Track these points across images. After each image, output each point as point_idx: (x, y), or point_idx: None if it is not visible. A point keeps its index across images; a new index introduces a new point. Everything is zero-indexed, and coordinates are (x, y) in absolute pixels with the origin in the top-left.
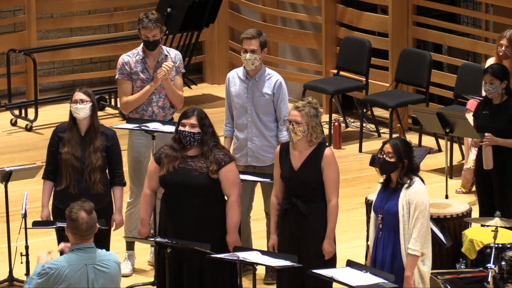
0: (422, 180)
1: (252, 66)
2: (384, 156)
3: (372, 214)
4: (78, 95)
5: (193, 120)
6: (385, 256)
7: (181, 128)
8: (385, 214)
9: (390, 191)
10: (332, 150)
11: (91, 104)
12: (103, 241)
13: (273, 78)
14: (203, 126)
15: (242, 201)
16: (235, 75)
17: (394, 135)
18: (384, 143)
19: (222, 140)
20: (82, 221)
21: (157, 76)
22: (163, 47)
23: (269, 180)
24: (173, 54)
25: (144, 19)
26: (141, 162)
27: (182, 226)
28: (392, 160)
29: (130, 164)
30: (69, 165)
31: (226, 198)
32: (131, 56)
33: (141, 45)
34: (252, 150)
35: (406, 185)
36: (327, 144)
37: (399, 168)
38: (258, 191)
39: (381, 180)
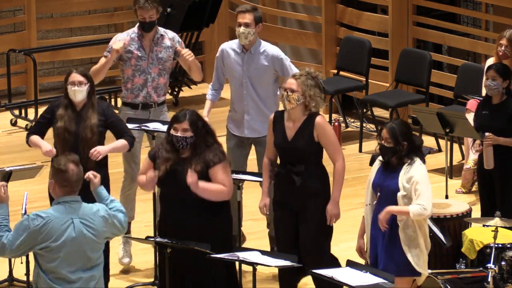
0: (424, 160)
1: (246, 40)
2: (383, 141)
3: (370, 189)
4: (76, 76)
5: (185, 125)
6: (378, 235)
7: (173, 132)
8: (383, 192)
9: (391, 169)
10: (323, 117)
11: (88, 85)
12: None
13: (268, 49)
14: (196, 129)
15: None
16: (229, 47)
17: None
18: (381, 128)
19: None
20: (72, 172)
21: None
22: (159, 28)
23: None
24: (171, 35)
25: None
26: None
27: (179, 226)
28: (390, 145)
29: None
30: (62, 139)
31: None
32: (125, 35)
33: (137, 24)
34: (248, 122)
35: (406, 164)
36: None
37: (398, 152)
38: (257, 191)
39: (381, 157)
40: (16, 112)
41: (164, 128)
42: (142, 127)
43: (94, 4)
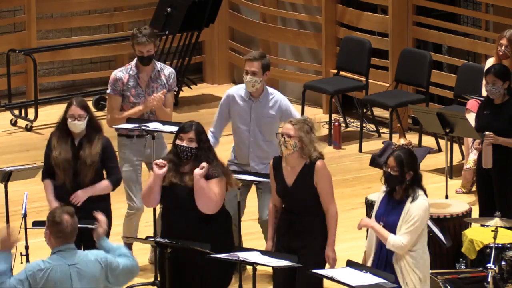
0: (425, 192)
1: (253, 88)
2: (389, 170)
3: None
4: (76, 110)
5: (191, 135)
6: (389, 257)
7: (178, 142)
8: (386, 225)
9: (394, 202)
10: (323, 162)
11: (88, 117)
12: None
13: (275, 97)
14: (200, 141)
15: (230, 206)
16: (236, 95)
17: (394, 135)
18: (388, 156)
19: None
20: (66, 223)
21: (147, 104)
22: (157, 62)
23: (268, 180)
24: (167, 72)
25: (138, 34)
26: (132, 175)
27: (180, 238)
28: (396, 173)
29: (124, 176)
30: (63, 169)
31: None
32: (124, 72)
33: (134, 60)
34: (254, 168)
35: (410, 200)
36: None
37: (403, 181)
38: (256, 194)
39: (385, 187)
40: (16, 112)
41: (164, 128)
42: (142, 127)
43: (94, 4)
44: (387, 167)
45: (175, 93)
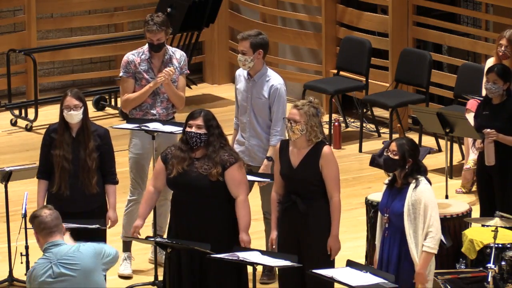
0: (429, 181)
1: (244, 67)
2: (389, 153)
3: (379, 214)
4: (71, 100)
5: (199, 121)
6: (391, 256)
7: (187, 129)
8: (391, 214)
9: (396, 190)
10: (330, 148)
11: (83, 108)
12: (99, 242)
13: (271, 81)
14: (209, 127)
15: None
16: (242, 73)
17: (394, 135)
18: (391, 141)
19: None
20: (45, 214)
21: (156, 79)
22: (169, 47)
23: (269, 180)
24: (178, 55)
25: (149, 21)
26: (142, 160)
27: (189, 227)
28: (396, 157)
29: (131, 163)
30: (60, 167)
31: (234, 198)
32: (136, 55)
33: (147, 44)
34: (248, 150)
35: (413, 186)
36: (326, 142)
37: (402, 167)
38: (256, 191)
39: (386, 181)
40: (16, 112)
41: (164, 128)
42: (142, 127)
43: (94, 4)
44: (387, 151)
45: (188, 73)
